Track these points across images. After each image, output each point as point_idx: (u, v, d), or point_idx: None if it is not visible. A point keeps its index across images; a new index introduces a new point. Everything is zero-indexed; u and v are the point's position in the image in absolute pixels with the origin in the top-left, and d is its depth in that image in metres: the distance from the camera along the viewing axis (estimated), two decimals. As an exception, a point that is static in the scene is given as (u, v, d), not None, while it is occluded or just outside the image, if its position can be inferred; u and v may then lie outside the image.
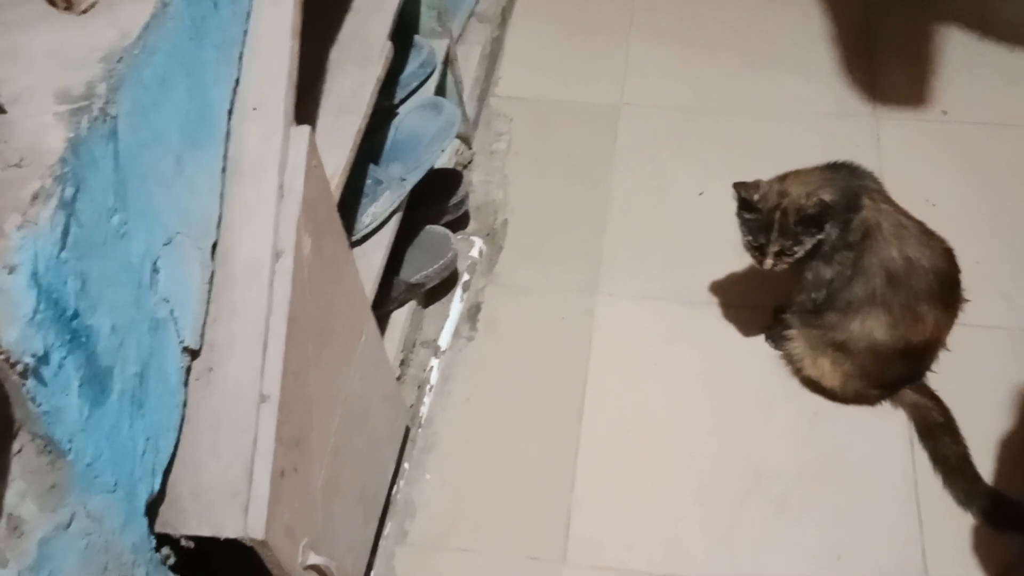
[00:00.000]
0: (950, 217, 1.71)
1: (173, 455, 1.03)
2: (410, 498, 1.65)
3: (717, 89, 2.20)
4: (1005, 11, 2.27)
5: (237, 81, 1.12)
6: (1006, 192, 1.95)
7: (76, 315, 0.83)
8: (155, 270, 0.97)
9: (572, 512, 1.62)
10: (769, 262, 1.53)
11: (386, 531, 1.60)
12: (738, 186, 1.53)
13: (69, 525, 0.86)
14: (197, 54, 1.03)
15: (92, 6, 0.93)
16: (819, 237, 1.50)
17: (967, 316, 1.63)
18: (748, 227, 1.54)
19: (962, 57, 2.19)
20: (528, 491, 1.65)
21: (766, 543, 1.57)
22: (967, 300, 1.61)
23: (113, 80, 0.88)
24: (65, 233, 0.81)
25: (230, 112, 1.11)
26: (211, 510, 1.02)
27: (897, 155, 2.02)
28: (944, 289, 1.55)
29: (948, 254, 1.56)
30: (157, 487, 0.99)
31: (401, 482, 1.66)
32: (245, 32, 1.13)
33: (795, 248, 1.51)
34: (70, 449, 0.84)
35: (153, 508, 1.00)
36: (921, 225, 1.56)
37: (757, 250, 1.54)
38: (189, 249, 1.03)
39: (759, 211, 1.51)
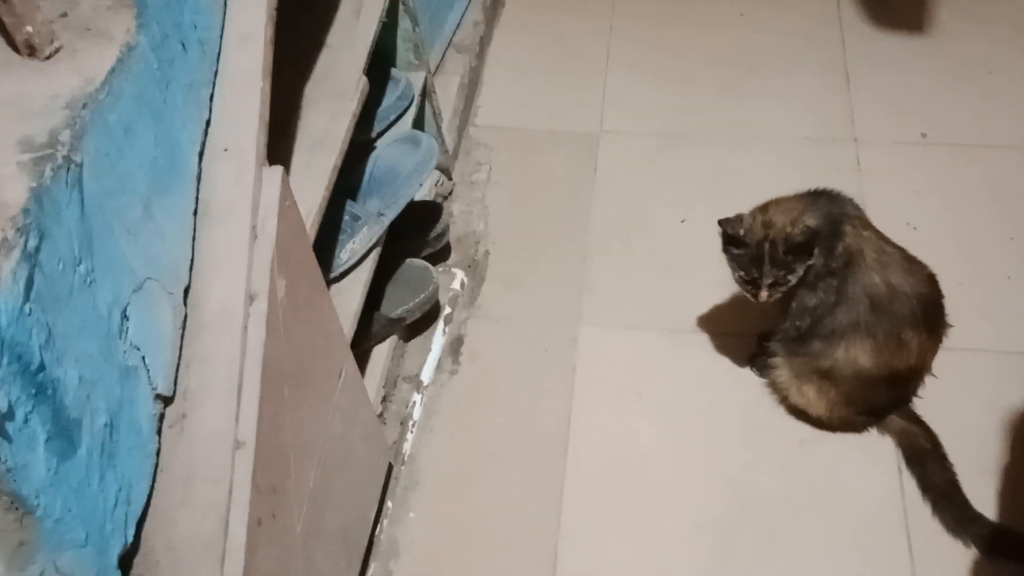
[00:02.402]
0: (931, 239, 1.71)
1: (146, 505, 1.00)
2: (394, 538, 1.62)
3: (696, 116, 2.20)
4: (981, 35, 2.27)
5: (208, 122, 1.11)
6: (986, 213, 1.95)
7: (41, 368, 0.81)
8: (124, 318, 0.95)
9: (559, 548, 1.60)
10: (764, 294, 1.51)
11: (370, 572, 1.57)
12: (723, 223, 1.51)
13: (38, 583, 0.83)
14: (164, 97, 1.01)
15: (56, 52, 0.91)
16: (810, 262, 1.49)
17: (951, 339, 1.62)
18: (738, 262, 1.52)
19: (940, 79, 2.20)
20: (514, 527, 1.63)
21: (756, 574, 1.55)
22: (951, 325, 1.60)
23: (77, 127, 0.86)
24: (29, 285, 0.79)
25: (200, 154, 1.09)
26: (186, 562, 1.00)
27: (877, 178, 2.02)
28: (928, 315, 1.54)
29: (931, 280, 1.56)
30: (130, 539, 0.97)
31: (384, 521, 1.63)
32: (215, 73, 1.12)
33: (788, 277, 1.49)
34: (38, 505, 0.82)
35: (126, 561, 0.97)
36: (903, 251, 1.56)
37: (750, 284, 1.52)
38: (160, 295, 1.01)
39: (747, 245, 1.49)
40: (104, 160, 0.90)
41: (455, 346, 1.86)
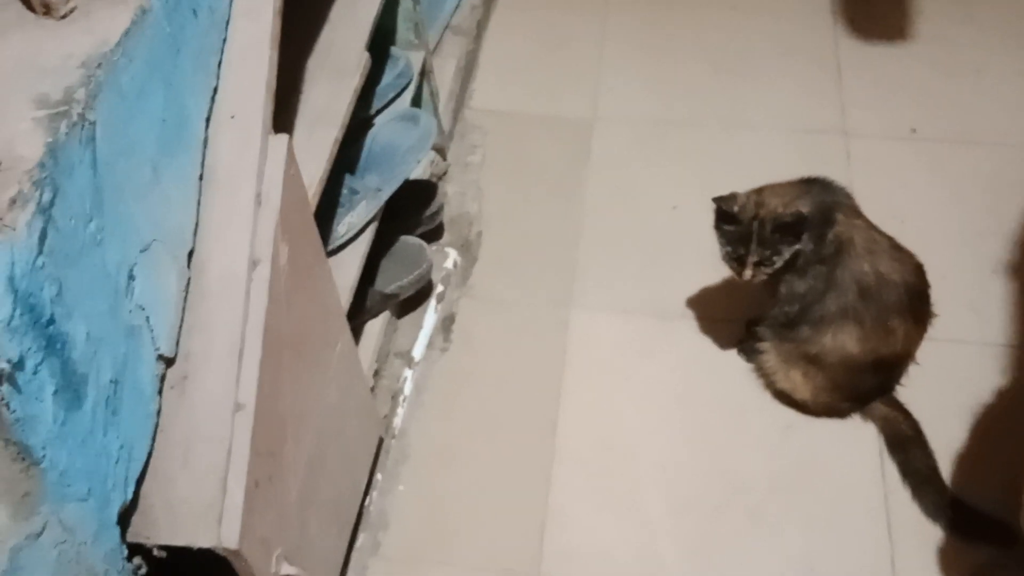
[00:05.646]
0: (919, 233, 1.73)
1: (147, 464, 1.02)
2: (383, 510, 1.64)
3: (689, 103, 2.22)
4: (969, 32, 2.30)
5: (215, 89, 1.12)
6: (973, 208, 1.98)
7: (52, 321, 0.82)
8: (131, 277, 0.96)
9: (546, 524, 1.62)
10: (748, 273, 1.53)
11: (359, 543, 1.59)
12: (718, 200, 1.54)
13: (41, 534, 0.85)
14: (175, 62, 1.03)
15: (71, 12, 0.92)
16: (796, 247, 1.52)
17: (936, 330, 1.65)
18: (727, 238, 1.54)
19: (930, 75, 2.22)
20: (502, 503, 1.65)
21: (739, 555, 1.58)
22: (936, 315, 1.63)
23: (92, 86, 0.88)
24: (42, 239, 0.80)
25: (208, 120, 1.11)
26: (184, 519, 1.01)
27: (867, 171, 2.04)
28: (914, 304, 1.57)
29: (918, 269, 1.58)
30: (130, 496, 0.99)
31: (374, 494, 1.65)
32: (224, 40, 1.13)
33: (774, 258, 1.52)
34: (44, 457, 0.83)
35: (125, 517, 0.99)
36: (892, 240, 1.58)
37: (736, 261, 1.54)
38: (165, 257, 1.02)
39: (739, 222, 1.52)
40: (116, 121, 0.92)
41: (447, 324, 1.87)
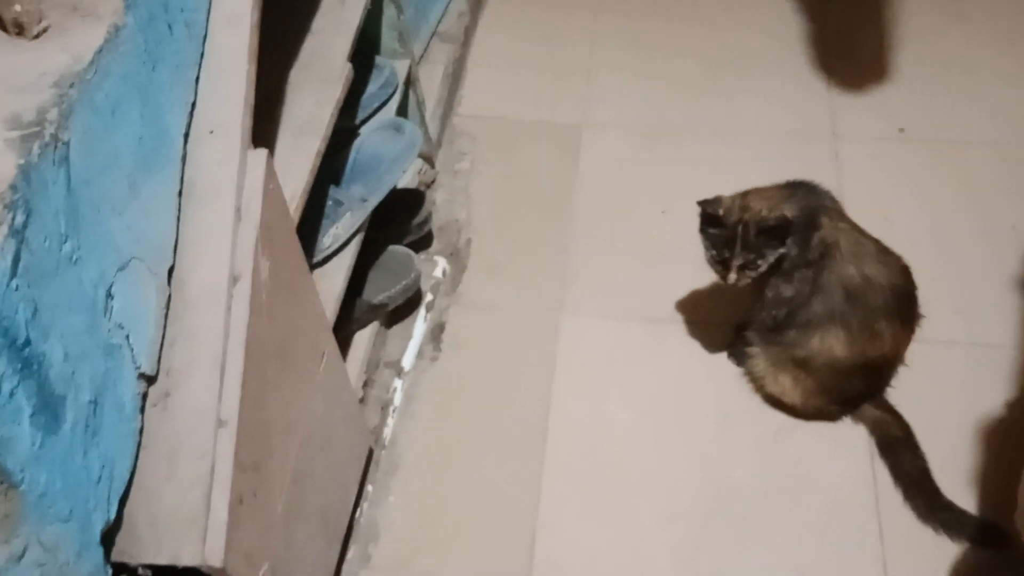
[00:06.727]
0: (907, 234, 1.73)
1: (129, 482, 1.01)
2: (373, 521, 1.64)
3: (678, 109, 2.22)
4: (959, 32, 2.30)
5: (193, 104, 1.12)
6: (962, 209, 1.98)
7: (27, 343, 0.82)
8: (109, 296, 0.96)
9: (537, 533, 1.62)
10: (732, 276, 1.53)
11: (349, 555, 1.59)
12: (703, 203, 1.54)
13: (22, 556, 0.84)
14: (151, 78, 1.02)
15: (44, 31, 0.92)
16: (781, 251, 1.52)
17: (924, 332, 1.65)
18: (712, 242, 1.55)
19: (919, 76, 2.23)
20: (493, 512, 1.65)
21: (730, 561, 1.58)
22: (924, 316, 1.63)
23: (65, 105, 0.87)
24: (16, 261, 0.80)
25: (186, 135, 1.10)
26: (168, 538, 1.01)
27: (855, 172, 2.04)
28: (901, 306, 1.57)
29: (905, 271, 1.58)
30: (113, 515, 0.98)
31: (364, 505, 1.64)
32: (201, 55, 1.13)
33: (758, 262, 1.52)
34: (22, 479, 0.83)
35: (109, 537, 0.99)
36: (878, 243, 1.58)
37: (721, 264, 1.55)
38: (144, 274, 1.02)
39: (723, 226, 1.52)
40: (91, 138, 0.91)
41: (436, 333, 1.87)
